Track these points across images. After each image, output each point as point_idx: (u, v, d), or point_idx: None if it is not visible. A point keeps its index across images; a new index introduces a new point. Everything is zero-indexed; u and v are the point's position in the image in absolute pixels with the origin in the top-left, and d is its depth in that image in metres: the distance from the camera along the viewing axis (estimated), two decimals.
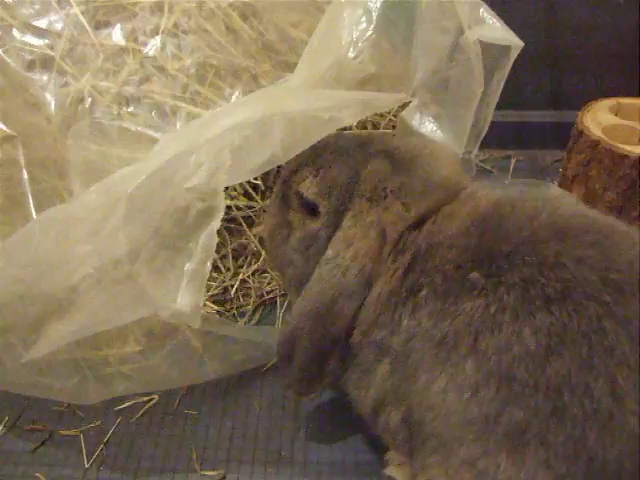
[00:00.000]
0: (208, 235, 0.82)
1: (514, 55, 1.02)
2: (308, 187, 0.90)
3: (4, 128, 0.97)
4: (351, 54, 1.00)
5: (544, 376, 0.66)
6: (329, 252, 0.84)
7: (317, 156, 0.91)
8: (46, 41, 1.06)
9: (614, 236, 0.72)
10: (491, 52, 1.03)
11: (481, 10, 1.02)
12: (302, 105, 0.86)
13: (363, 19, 1.02)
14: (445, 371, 0.73)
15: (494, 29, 1.01)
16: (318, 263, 0.84)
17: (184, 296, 0.82)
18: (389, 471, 0.95)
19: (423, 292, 0.78)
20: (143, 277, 0.82)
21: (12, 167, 0.98)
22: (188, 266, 0.83)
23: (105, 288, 0.83)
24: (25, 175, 0.96)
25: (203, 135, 0.82)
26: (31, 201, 0.96)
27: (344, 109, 0.87)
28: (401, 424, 0.82)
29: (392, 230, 0.83)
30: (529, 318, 0.68)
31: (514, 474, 0.66)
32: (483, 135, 1.13)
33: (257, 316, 1.25)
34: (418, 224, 0.83)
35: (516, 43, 1.01)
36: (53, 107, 1.04)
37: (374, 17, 1.02)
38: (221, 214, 0.82)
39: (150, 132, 1.04)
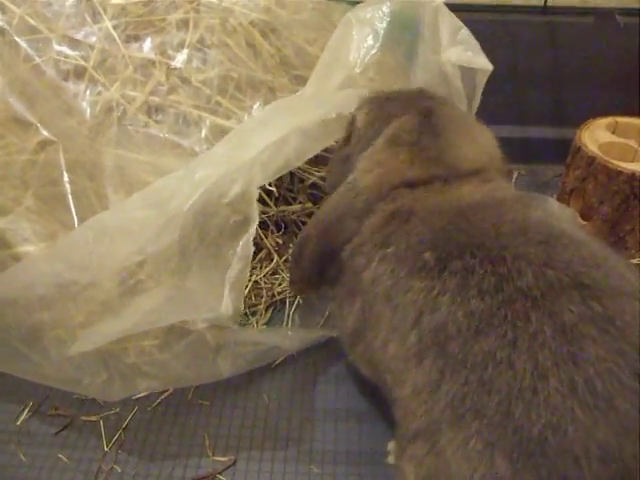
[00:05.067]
0: (245, 244, 0.92)
1: (483, 78, 1.12)
2: (360, 120, 1.03)
3: (45, 133, 1.05)
4: (358, 69, 1.08)
5: (472, 352, 0.72)
6: (350, 176, 0.96)
7: (379, 99, 1.05)
8: (80, 52, 1.13)
9: (563, 238, 0.79)
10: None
11: (461, 32, 1.12)
12: (312, 112, 0.95)
13: (370, 37, 1.10)
14: (395, 339, 0.82)
15: (466, 53, 1.10)
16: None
17: (227, 302, 0.92)
18: (391, 460, 1.01)
19: (390, 249, 0.87)
20: (194, 285, 0.92)
21: (48, 170, 1.06)
22: (229, 274, 0.92)
23: (156, 293, 0.92)
24: (66, 177, 1.03)
25: (237, 156, 0.91)
26: (72, 204, 1.03)
27: (348, 103, 0.97)
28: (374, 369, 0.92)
29: (392, 176, 0.93)
30: (464, 303, 0.75)
31: (451, 436, 0.73)
32: None
33: (268, 315, 1.32)
34: (413, 185, 0.92)
35: (485, 66, 1.10)
36: (84, 113, 1.12)
37: (380, 36, 1.10)
38: (256, 223, 0.92)
39: (175, 139, 1.12)
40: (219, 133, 1.16)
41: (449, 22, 1.10)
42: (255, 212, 0.92)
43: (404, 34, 1.16)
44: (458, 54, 1.08)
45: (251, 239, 0.93)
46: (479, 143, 0.98)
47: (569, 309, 0.71)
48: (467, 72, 1.12)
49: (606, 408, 0.66)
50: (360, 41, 1.13)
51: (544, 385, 0.68)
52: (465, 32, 1.12)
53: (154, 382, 1.10)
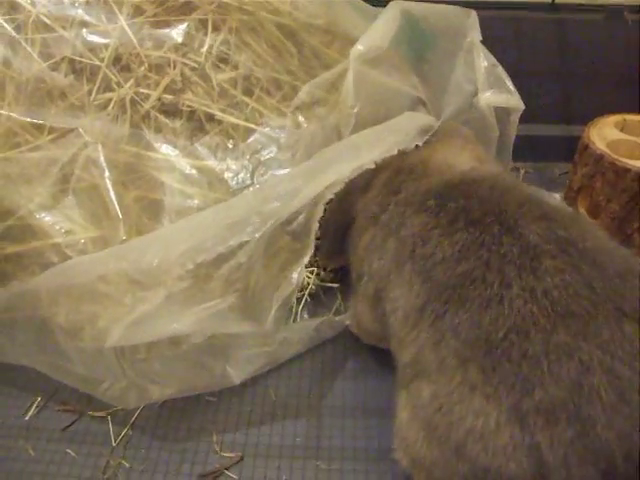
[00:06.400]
0: (298, 272, 1.02)
1: (516, 116, 1.25)
2: None
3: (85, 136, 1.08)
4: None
5: (454, 274, 0.83)
6: None
7: None
8: (95, 51, 1.14)
9: (544, 202, 0.91)
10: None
11: (496, 71, 1.23)
12: (376, 149, 1.05)
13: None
14: (395, 268, 0.94)
15: (500, 95, 1.22)
16: None
17: (272, 319, 1.02)
18: (396, 455, 1.01)
19: (401, 195, 1.00)
20: (247, 302, 1.01)
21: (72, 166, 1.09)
22: (279, 294, 1.02)
23: (213, 304, 0.99)
24: (77, 173, 1.04)
25: (304, 191, 1.00)
26: (116, 204, 1.07)
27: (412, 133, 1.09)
28: (373, 303, 1.03)
29: None
30: (451, 235, 0.86)
31: (432, 358, 0.82)
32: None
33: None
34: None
35: (518, 106, 1.22)
36: (97, 111, 1.13)
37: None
38: (310, 253, 1.01)
39: (188, 137, 1.13)
40: (233, 132, 1.18)
41: (484, 61, 1.22)
42: (312, 242, 1.01)
43: (416, 37, 1.27)
44: (493, 97, 1.20)
45: (304, 266, 1.02)
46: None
47: (536, 232, 0.82)
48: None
49: (563, 313, 0.74)
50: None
51: (508, 292, 0.77)
52: (499, 70, 1.22)
53: (167, 390, 1.11)
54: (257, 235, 0.97)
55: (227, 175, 1.21)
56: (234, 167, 1.21)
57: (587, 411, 0.70)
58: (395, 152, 1.05)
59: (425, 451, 0.83)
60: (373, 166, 1.03)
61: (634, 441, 0.69)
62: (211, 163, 1.20)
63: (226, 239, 0.97)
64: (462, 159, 1.05)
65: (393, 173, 1.06)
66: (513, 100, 1.21)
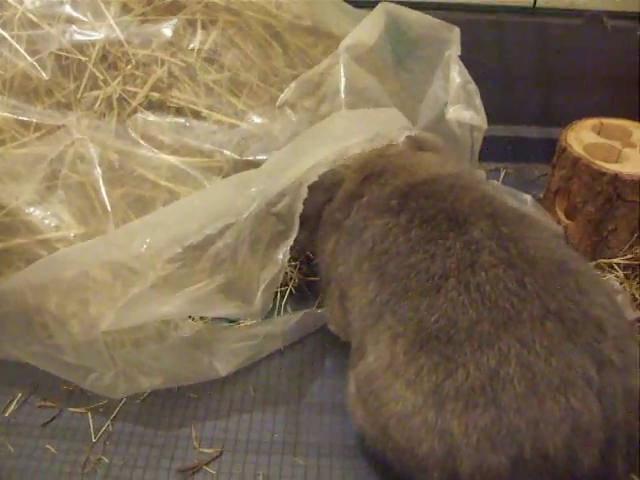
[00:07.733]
0: (283, 252, 1.05)
1: (480, 135, 1.31)
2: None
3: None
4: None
5: (403, 266, 0.89)
6: None
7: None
8: (81, 48, 1.15)
9: (496, 200, 0.97)
10: None
11: (468, 87, 1.28)
12: (358, 135, 1.10)
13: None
14: (356, 268, 0.98)
15: (467, 112, 1.27)
16: None
17: (259, 299, 1.05)
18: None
19: (364, 199, 1.04)
20: (234, 282, 1.04)
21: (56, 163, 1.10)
22: (264, 275, 1.05)
23: (203, 285, 1.03)
24: (65, 170, 1.05)
25: (288, 173, 1.04)
26: (106, 198, 1.09)
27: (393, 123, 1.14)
28: (339, 304, 1.06)
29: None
30: (406, 232, 0.92)
31: (369, 337, 0.90)
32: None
33: None
34: (380, 154, 1.11)
35: (481, 125, 1.28)
36: (84, 108, 1.14)
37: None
38: (295, 235, 1.04)
39: (174, 135, 1.15)
40: (220, 129, 1.19)
41: (458, 76, 1.27)
42: (297, 224, 1.04)
43: (398, 41, 1.31)
44: (459, 112, 1.25)
45: (289, 247, 1.05)
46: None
47: (480, 228, 0.87)
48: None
49: (491, 306, 0.80)
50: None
51: (446, 284, 0.83)
52: (471, 87, 1.27)
53: (156, 380, 1.13)
54: (243, 216, 1.00)
55: (213, 166, 1.22)
56: (220, 160, 1.22)
57: (501, 398, 0.75)
58: (377, 142, 1.08)
59: (365, 425, 0.92)
60: (358, 150, 1.07)
61: (541, 431, 0.75)
62: (197, 160, 1.21)
63: (213, 221, 0.99)
64: (431, 163, 1.09)
65: (358, 181, 1.08)
66: (477, 119, 1.26)
